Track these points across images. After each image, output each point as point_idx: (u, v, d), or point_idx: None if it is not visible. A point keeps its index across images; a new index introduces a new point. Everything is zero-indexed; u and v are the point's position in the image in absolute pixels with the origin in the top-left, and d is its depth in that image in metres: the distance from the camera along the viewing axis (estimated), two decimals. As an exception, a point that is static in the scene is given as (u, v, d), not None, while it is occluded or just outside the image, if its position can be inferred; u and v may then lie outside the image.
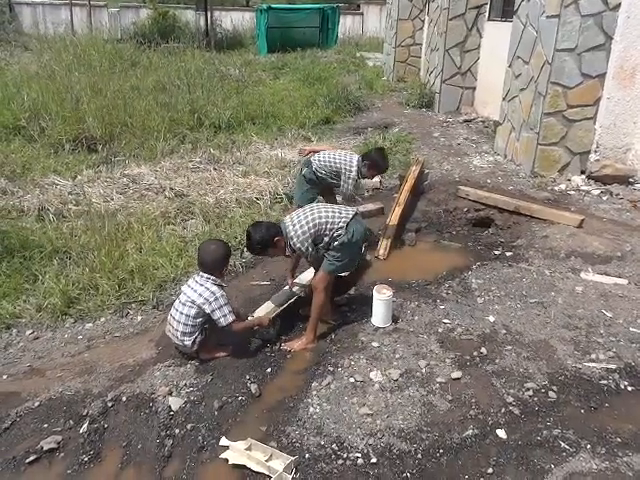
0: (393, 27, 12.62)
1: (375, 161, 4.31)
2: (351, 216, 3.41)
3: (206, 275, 3.22)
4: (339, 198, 4.85)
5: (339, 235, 3.34)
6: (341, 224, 3.35)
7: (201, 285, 3.19)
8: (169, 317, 3.27)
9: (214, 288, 3.18)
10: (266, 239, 3.27)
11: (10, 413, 2.78)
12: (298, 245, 3.32)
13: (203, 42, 15.54)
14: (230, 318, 3.16)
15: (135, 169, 6.17)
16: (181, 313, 3.17)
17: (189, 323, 3.15)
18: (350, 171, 4.27)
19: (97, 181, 5.83)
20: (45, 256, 4.16)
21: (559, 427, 2.70)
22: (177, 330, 3.17)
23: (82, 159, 6.51)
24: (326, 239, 3.35)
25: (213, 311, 3.13)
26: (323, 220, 3.34)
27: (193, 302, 3.15)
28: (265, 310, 3.56)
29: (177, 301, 3.27)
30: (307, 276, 3.97)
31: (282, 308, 3.57)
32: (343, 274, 3.88)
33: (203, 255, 3.28)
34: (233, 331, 3.23)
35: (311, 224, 3.33)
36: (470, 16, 8.95)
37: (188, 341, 3.17)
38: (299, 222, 3.35)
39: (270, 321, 3.41)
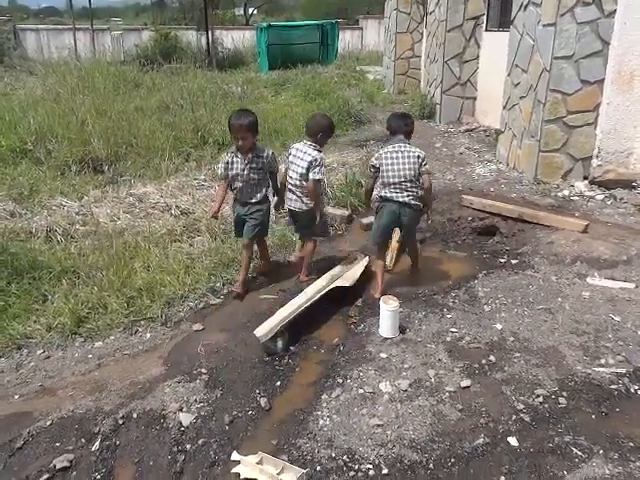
0: (392, 40, 12.76)
1: None
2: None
3: (309, 142, 4.09)
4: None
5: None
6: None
7: (304, 152, 4.05)
8: (288, 188, 4.20)
9: (315, 153, 4.03)
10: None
11: (22, 433, 2.80)
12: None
13: (205, 61, 15.76)
14: (318, 177, 4.02)
15: (141, 188, 6.23)
16: (298, 182, 4.08)
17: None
18: None
19: (104, 201, 5.89)
20: (54, 276, 4.20)
21: (571, 433, 2.69)
22: (301, 196, 4.12)
23: (88, 180, 6.58)
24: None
25: (314, 168, 3.98)
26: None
27: (304, 168, 4.01)
28: (276, 320, 3.55)
29: (291, 170, 4.14)
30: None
31: (289, 319, 3.57)
32: (348, 284, 4.03)
33: (308, 122, 4.24)
34: (316, 188, 4.10)
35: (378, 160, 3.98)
36: (468, 27, 9.05)
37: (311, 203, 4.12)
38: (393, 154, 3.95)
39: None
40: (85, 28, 19.39)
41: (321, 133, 4.11)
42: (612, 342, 3.37)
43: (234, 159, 4.07)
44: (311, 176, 4.00)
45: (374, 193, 4.26)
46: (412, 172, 3.88)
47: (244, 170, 4.03)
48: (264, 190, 4.15)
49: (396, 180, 3.89)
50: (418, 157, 3.91)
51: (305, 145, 4.10)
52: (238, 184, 4.10)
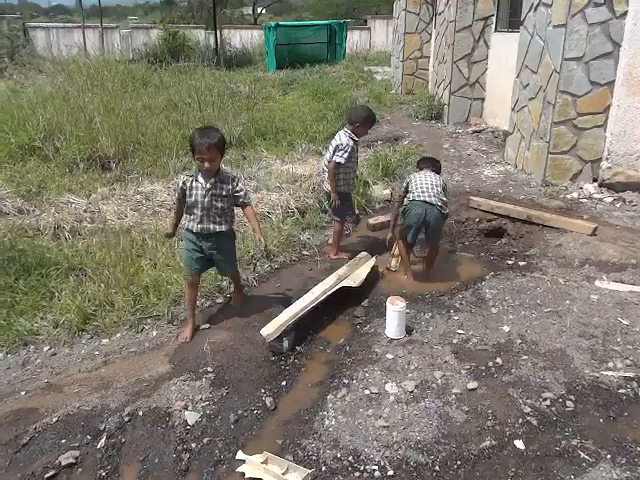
0: (400, 41, 12.73)
1: None
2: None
3: (347, 130, 4.50)
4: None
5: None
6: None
7: (338, 137, 4.50)
8: (323, 169, 4.71)
9: (345, 139, 4.45)
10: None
11: (29, 429, 2.80)
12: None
13: (213, 60, 15.77)
14: (337, 159, 4.42)
15: (148, 186, 6.24)
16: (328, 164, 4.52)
17: None
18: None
19: (111, 199, 5.90)
20: (61, 273, 4.21)
21: (578, 437, 2.67)
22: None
23: (96, 177, 6.60)
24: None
25: (337, 152, 4.42)
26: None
27: (332, 150, 4.53)
28: (282, 319, 3.54)
29: (327, 153, 4.60)
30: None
31: (295, 319, 3.56)
32: (354, 284, 4.01)
33: (350, 111, 4.79)
34: (334, 169, 4.48)
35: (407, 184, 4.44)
36: (477, 28, 9.02)
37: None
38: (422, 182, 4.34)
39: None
40: (94, 26, 19.48)
41: (358, 123, 4.49)
42: (620, 346, 3.34)
43: (194, 184, 3.45)
44: (333, 157, 4.41)
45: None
46: (438, 183, 4.31)
47: (205, 197, 3.44)
48: (230, 219, 3.64)
49: (424, 186, 4.23)
50: (443, 181, 4.42)
51: (342, 132, 4.54)
52: (198, 212, 3.48)
